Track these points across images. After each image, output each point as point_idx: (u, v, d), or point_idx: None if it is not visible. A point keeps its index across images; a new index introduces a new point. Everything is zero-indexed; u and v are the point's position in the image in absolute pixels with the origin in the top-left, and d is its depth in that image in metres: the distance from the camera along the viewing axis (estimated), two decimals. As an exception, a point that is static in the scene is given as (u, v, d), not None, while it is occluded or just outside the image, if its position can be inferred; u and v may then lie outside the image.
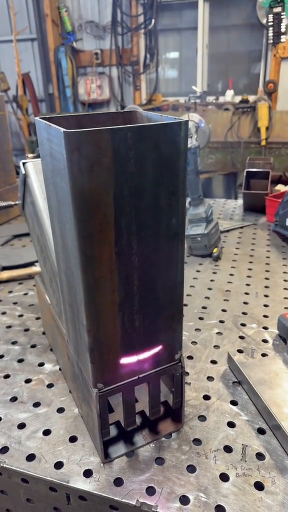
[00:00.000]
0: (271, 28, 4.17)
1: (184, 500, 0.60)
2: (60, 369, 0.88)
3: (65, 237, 0.55)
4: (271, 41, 4.24)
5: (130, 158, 0.48)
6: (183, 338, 0.69)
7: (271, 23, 4.15)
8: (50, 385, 0.84)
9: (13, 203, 0.98)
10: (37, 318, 1.08)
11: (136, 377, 0.63)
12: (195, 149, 1.28)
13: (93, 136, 0.45)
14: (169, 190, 0.52)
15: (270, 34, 4.20)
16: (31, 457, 0.67)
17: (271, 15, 4.13)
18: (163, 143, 0.49)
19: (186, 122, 0.49)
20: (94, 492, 0.61)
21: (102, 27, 4.90)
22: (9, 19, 5.10)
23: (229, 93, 4.49)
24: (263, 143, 3.81)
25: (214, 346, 0.93)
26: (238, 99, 4.30)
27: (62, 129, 0.44)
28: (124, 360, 0.60)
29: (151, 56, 4.80)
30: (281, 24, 4.12)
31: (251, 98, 4.15)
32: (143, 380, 0.64)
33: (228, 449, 0.68)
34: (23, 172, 0.77)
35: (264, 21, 4.26)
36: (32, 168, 0.77)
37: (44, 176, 0.60)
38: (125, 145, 0.47)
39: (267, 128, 3.82)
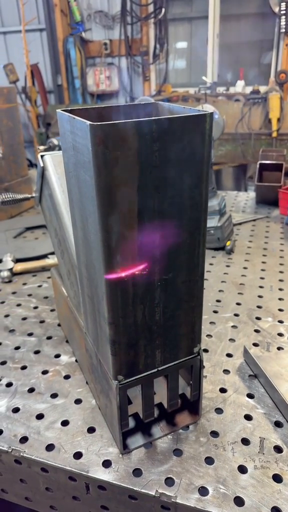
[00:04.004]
0: (283, 17, 4.08)
1: (203, 491, 0.60)
2: (76, 360, 0.89)
3: (87, 230, 0.55)
4: (284, 30, 4.15)
5: (155, 150, 0.47)
6: (201, 331, 0.69)
7: (284, 12, 4.06)
8: (67, 377, 0.84)
9: (29, 196, 0.98)
10: (52, 310, 1.08)
11: (156, 370, 0.63)
12: (210, 141, 1.27)
13: (119, 128, 0.44)
14: (192, 183, 0.52)
15: (283, 23, 4.12)
16: (50, 447, 0.68)
17: (284, 3, 4.03)
18: (188, 135, 0.48)
19: (211, 114, 0.49)
20: (114, 482, 0.62)
21: (111, 16, 4.84)
22: (17, 10, 5.06)
23: (240, 83, 4.42)
24: (275, 134, 3.76)
25: (230, 340, 0.93)
26: (249, 89, 4.23)
27: (88, 122, 0.44)
28: (144, 351, 0.61)
29: (161, 46, 4.74)
30: (294, 12, 4.04)
31: (262, 88, 4.08)
32: (162, 373, 0.64)
33: (245, 441, 0.68)
34: (41, 165, 0.77)
35: (276, 9, 4.17)
36: (50, 161, 0.77)
37: (66, 169, 0.60)
38: (150, 138, 0.46)
39: (278, 120, 3.77)
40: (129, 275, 0.54)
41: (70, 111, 0.55)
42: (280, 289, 1.13)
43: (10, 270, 1.25)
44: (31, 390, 0.81)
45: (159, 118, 0.46)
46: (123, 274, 0.53)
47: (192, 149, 0.49)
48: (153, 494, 0.60)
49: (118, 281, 0.53)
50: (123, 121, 0.44)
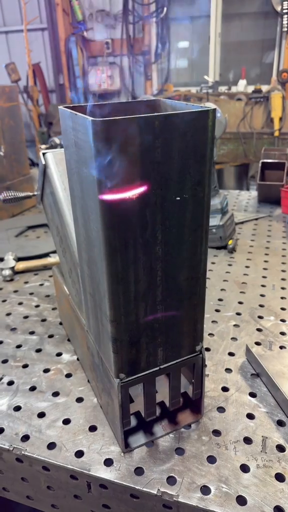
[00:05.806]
0: (285, 16, 4.08)
1: (205, 490, 0.60)
2: (78, 359, 0.88)
3: (89, 227, 0.55)
4: (286, 29, 4.15)
5: (157, 147, 0.47)
6: (203, 329, 0.68)
7: (286, 11, 4.06)
8: (68, 375, 0.84)
9: (31, 193, 0.98)
10: (54, 309, 1.08)
11: (157, 368, 0.63)
12: (212, 139, 1.27)
13: (121, 124, 0.44)
14: (195, 180, 0.51)
15: (285, 22, 4.11)
16: (51, 446, 0.68)
17: (286, 2, 4.03)
18: (190, 131, 0.48)
19: (214, 110, 0.48)
20: (115, 480, 0.62)
21: (113, 16, 4.83)
22: (19, 9, 5.06)
23: (242, 83, 4.41)
24: (277, 133, 3.75)
25: (232, 338, 0.93)
26: (251, 89, 4.22)
27: (90, 118, 0.43)
28: (146, 349, 0.60)
29: (163, 46, 4.74)
30: (296, 11, 4.03)
31: (264, 88, 4.07)
32: (164, 371, 0.64)
33: (248, 440, 0.68)
34: (43, 162, 0.77)
35: (278, 8, 4.16)
36: (52, 158, 0.76)
37: (67, 165, 0.60)
38: (152, 134, 0.46)
39: (280, 119, 3.75)
40: (131, 274, 0.53)
41: (72, 108, 0.55)
42: (283, 288, 1.13)
43: (12, 268, 1.25)
44: (33, 388, 0.81)
45: (161, 114, 0.46)
46: (124, 272, 0.53)
47: (195, 145, 0.49)
48: (155, 493, 0.60)
49: (120, 279, 0.53)
50: (125, 117, 0.44)
